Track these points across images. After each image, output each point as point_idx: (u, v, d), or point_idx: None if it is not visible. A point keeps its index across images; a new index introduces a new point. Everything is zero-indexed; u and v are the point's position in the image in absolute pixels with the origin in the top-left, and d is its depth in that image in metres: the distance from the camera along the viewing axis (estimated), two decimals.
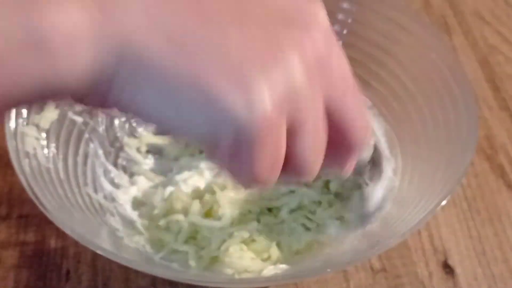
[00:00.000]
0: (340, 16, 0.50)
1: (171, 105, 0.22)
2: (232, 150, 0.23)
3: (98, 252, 0.36)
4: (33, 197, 0.37)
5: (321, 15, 0.24)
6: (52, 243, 0.46)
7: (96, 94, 0.23)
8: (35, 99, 0.22)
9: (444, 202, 0.37)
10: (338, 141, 0.26)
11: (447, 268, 0.46)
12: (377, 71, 0.49)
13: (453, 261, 0.47)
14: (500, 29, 0.65)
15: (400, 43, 0.48)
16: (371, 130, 0.28)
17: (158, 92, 0.22)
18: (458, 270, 0.46)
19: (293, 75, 0.22)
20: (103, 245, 0.38)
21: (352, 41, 0.50)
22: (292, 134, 0.23)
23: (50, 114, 0.44)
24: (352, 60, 0.50)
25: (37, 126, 0.43)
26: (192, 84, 0.21)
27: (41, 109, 0.43)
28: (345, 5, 0.50)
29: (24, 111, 0.42)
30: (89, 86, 0.22)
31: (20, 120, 0.42)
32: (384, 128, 0.49)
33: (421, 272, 0.46)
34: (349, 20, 0.50)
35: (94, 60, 0.21)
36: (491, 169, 0.53)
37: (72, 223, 0.38)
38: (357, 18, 0.50)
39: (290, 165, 0.25)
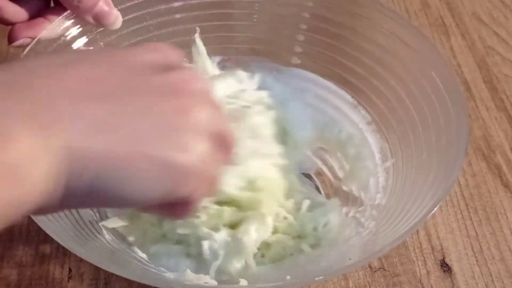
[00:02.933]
0: (334, 28, 0.50)
1: (135, 183, 0.26)
2: (189, 193, 0.28)
3: (84, 258, 0.36)
4: None
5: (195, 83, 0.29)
6: (55, 241, 0.46)
7: (64, 201, 0.25)
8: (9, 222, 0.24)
9: (428, 217, 0.37)
10: None
11: (445, 267, 0.47)
12: (378, 87, 0.49)
13: (451, 260, 0.47)
14: (498, 30, 0.66)
15: (401, 59, 0.47)
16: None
17: (120, 179, 0.25)
18: (455, 268, 0.47)
19: (201, 113, 0.28)
20: (88, 250, 0.38)
21: (355, 53, 0.50)
22: None
23: None
24: (354, 72, 0.50)
25: None
26: (149, 162, 0.26)
27: None
28: (341, 17, 0.50)
29: None
30: (57, 197, 0.24)
31: None
32: (380, 146, 0.48)
33: (419, 271, 0.46)
34: (345, 32, 0.50)
35: (55, 174, 0.24)
36: (488, 169, 0.53)
37: (58, 225, 0.38)
38: (359, 29, 0.49)
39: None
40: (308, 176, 0.51)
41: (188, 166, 0.27)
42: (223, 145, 0.30)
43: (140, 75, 0.28)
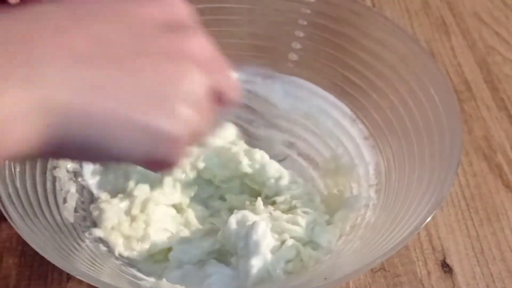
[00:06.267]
0: (332, 37, 0.50)
1: (115, 143, 0.26)
2: (167, 154, 0.28)
3: (74, 274, 0.36)
4: (3, 210, 0.37)
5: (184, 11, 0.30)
6: None
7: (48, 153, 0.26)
8: None
9: (410, 238, 0.37)
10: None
11: (446, 267, 0.47)
12: (377, 101, 0.48)
13: (452, 260, 0.47)
14: (498, 30, 0.66)
15: (400, 74, 0.47)
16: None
17: (103, 137, 0.26)
18: (456, 269, 0.46)
19: (194, 83, 0.28)
20: (76, 263, 0.38)
21: (355, 65, 0.49)
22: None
23: None
24: (353, 85, 0.49)
25: None
26: (130, 124, 0.26)
27: None
28: (343, 29, 0.49)
29: None
30: (38, 151, 0.25)
31: None
32: (376, 161, 0.47)
33: (419, 271, 0.46)
34: (344, 42, 0.49)
35: (38, 129, 0.24)
36: (489, 169, 0.53)
37: (43, 237, 0.38)
38: (358, 40, 0.49)
39: None
40: None
41: (172, 133, 0.27)
42: (221, 98, 0.30)
43: (143, 35, 0.28)
